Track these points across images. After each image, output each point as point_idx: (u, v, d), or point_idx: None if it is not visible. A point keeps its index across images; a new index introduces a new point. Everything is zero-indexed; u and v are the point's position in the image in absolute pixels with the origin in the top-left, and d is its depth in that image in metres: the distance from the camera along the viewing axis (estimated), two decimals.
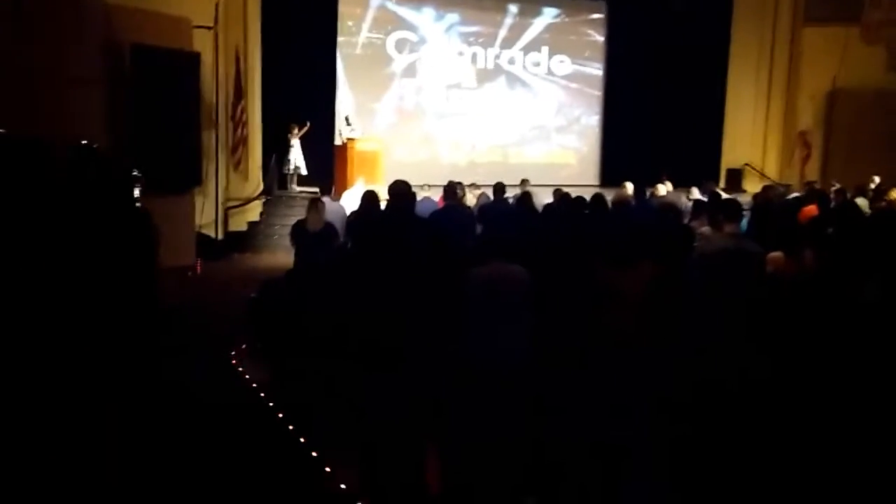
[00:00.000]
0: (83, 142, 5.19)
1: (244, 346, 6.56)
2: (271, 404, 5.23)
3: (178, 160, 8.85)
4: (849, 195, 9.04)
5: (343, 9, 14.35)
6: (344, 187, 10.35)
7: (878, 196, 8.95)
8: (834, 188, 9.79)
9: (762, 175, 16.41)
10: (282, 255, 9.94)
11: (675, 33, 15.99)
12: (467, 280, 4.13)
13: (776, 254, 4.60)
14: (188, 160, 9.16)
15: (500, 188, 7.95)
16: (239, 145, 11.25)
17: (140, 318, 3.81)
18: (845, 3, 16.36)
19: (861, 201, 8.54)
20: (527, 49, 16.80)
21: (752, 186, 15.16)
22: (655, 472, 3.60)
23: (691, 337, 3.89)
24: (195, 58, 9.19)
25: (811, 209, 7.48)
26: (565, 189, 9.10)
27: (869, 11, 16.44)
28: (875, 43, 16.53)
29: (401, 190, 4.72)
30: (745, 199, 10.48)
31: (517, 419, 3.85)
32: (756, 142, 17.17)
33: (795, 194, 10.03)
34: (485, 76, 16.41)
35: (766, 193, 9.03)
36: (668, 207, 6.37)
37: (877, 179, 10.99)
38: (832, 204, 7.86)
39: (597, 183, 16.97)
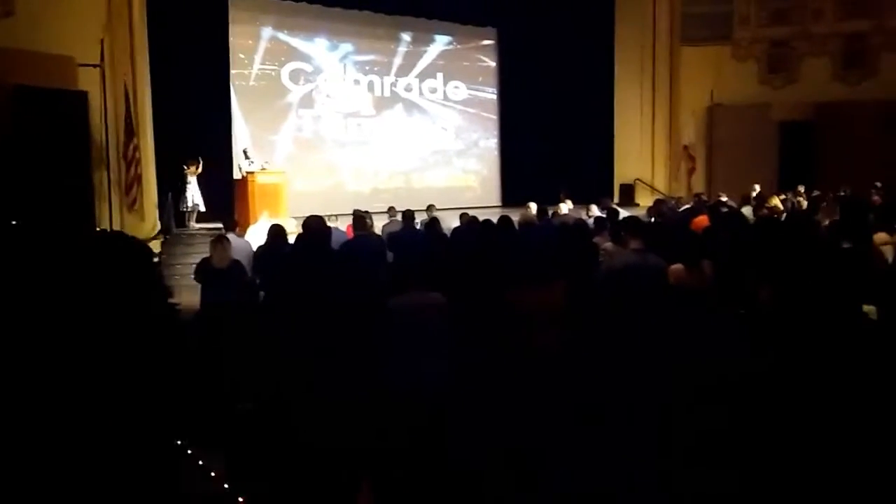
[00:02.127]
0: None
1: None
2: (188, 449, 5.02)
3: (68, 203, 8.44)
4: (733, 204, 9.64)
5: (234, 41, 14.12)
6: (247, 222, 10.12)
7: (760, 204, 9.56)
8: (719, 199, 10.41)
9: (653, 189, 17.22)
10: (186, 295, 9.56)
11: (563, 57, 16.65)
12: (387, 310, 4.14)
13: (677, 266, 4.83)
14: (79, 203, 8.76)
15: (408, 215, 8.00)
16: (133, 184, 10.82)
17: None
18: (717, 23, 17.58)
19: (746, 210, 9.08)
20: (422, 76, 17.06)
21: (645, 200, 15.89)
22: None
23: (604, 349, 4.04)
24: (82, 97, 8.83)
25: (702, 220, 7.91)
26: (470, 211, 9.29)
27: (738, 30, 17.72)
28: (746, 59, 17.81)
29: (315, 226, 4.68)
30: (638, 213, 10.97)
31: (444, 444, 3.87)
32: (644, 157, 18.04)
33: (686, 206, 10.57)
34: (382, 104, 16.52)
35: (659, 207, 9.49)
36: (576, 225, 6.58)
37: (757, 188, 11.76)
38: (721, 214, 8.32)
39: (499, 204, 17.36)
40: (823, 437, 2.48)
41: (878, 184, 12.36)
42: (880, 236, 6.02)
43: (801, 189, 12.31)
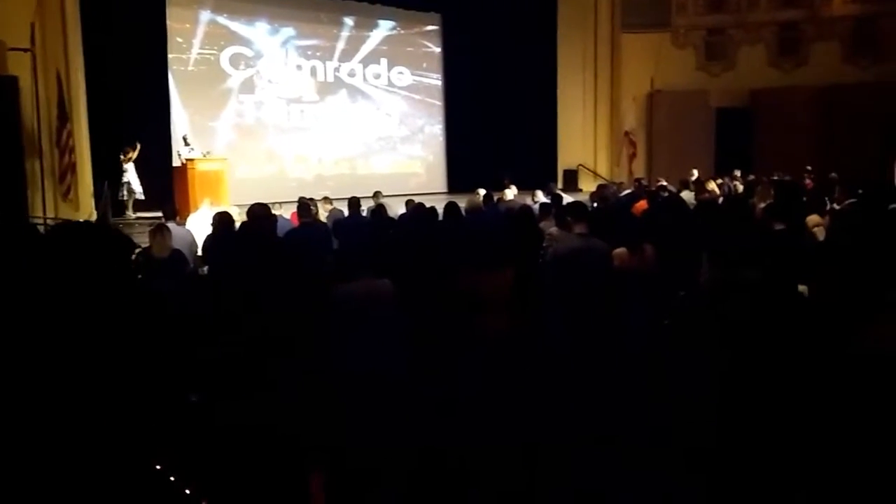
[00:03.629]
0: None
1: None
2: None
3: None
4: (673, 189, 9.86)
5: (172, 24, 13.71)
6: (187, 210, 9.88)
7: (699, 188, 9.81)
8: (658, 183, 10.64)
9: (595, 174, 17.50)
10: None
11: (506, 43, 16.72)
12: (333, 297, 4.11)
13: (620, 249, 4.94)
14: (11, 192, 8.42)
15: (354, 203, 7.95)
16: (67, 172, 10.46)
17: None
18: (656, 10, 17.91)
19: (686, 194, 9.31)
20: (366, 61, 16.90)
21: (588, 186, 16.14)
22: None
23: (554, 332, 4.11)
24: (12, 82, 8.47)
25: (642, 204, 8.09)
26: (416, 198, 9.28)
27: (677, 17, 18.10)
28: (685, 46, 18.21)
29: (260, 213, 4.61)
30: (582, 198, 11.13)
31: (402, 429, 3.88)
32: (587, 143, 18.30)
33: (627, 191, 10.78)
34: (326, 89, 16.32)
35: (602, 192, 9.65)
36: (524, 210, 6.64)
37: (696, 173, 12.06)
38: (660, 199, 8.51)
39: (445, 190, 17.38)
40: (763, 414, 2.58)
41: (810, 168, 12.83)
42: (812, 218, 6.27)
43: (738, 173, 12.68)
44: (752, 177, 12.32)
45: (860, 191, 7.28)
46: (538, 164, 16.41)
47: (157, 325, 1.58)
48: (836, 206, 7.30)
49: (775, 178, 11.47)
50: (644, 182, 12.46)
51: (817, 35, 17.62)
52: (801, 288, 3.52)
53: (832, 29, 17.48)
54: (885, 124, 15.34)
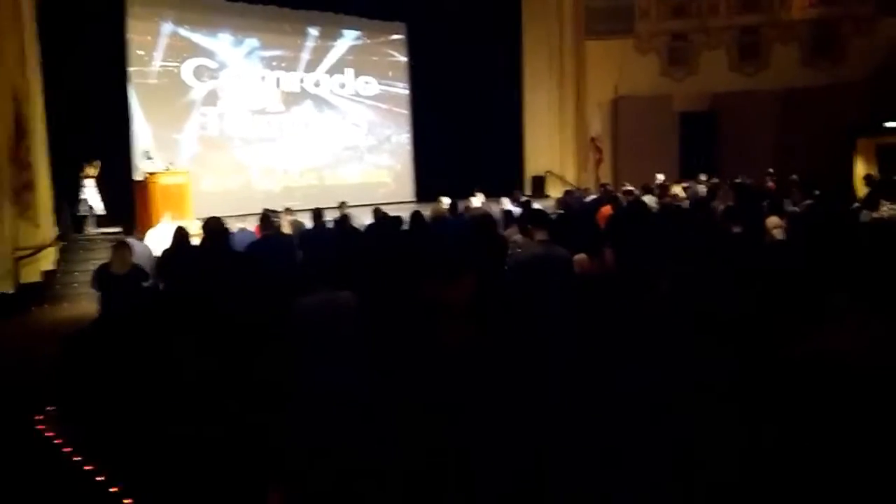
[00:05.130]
0: None
1: (51, 408, 5.97)
2: (88, 468, 4.80)
3: None
4: (637, 193, 9.93)
5: (132, 36, 13.56)
6: (149, 225, 9.75)
7: (663, 192, 9.90)
8: (624, 188, 10.72)
9: (563, 180, 17.60)
10: (85, 303, 9.17)
11: (472, 51, 16.76)
12: (294, 310, 4.05)
13: (580, 256, 4.95)
14: None
15: (318, 213, 7.88)
16: (23, 189, 10.24)
17: None
18: (620, 17, 18.13)
19: (649, 198, 9.38)
20: (331, 71, 16.85)
21: (556, 191, 16.22)
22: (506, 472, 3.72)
23: (516, 339, 4.09)
24: None
25: (607, 210, 8.13)
26: (384, 207, 9.25)
27: (640, 24, 18.33)
28: (648, 52, 18.44)
29: (214, 227, 4.54)
30: (548, 204, 11.18)
31: (365, 444, 3.83)
32: (554, 149, 18.40)
33: (593, 196, 10.84)
34: (291, 100, 16.22)
35: (566, 198, 9.70)
36: (485, 218, 6.64)
37: (660, 177, 12.18)
38: (623, 204, 8.57)
39: (413, 199, 17.35)
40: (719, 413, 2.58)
41: (771, 170, 13.02)
42: (772, 220, 6.33)
43: (703, 177, 12.83)
44: (715, 180, 12.47)
45: (817, 192, 7.39)
46: (506, 172, 16.48)
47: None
48: (795, 209, 7.41)
49: (738, 181, 11.62)
50: (610, 187, 12.55)
51: (777, 39, 17.95)
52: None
53: (792, 32, 17.83)
54: (845, 126, 15.65)
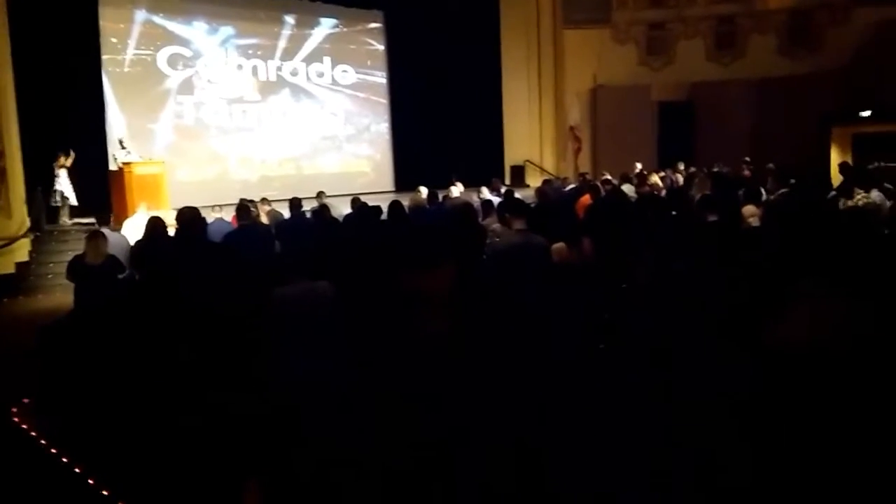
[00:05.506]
0: None
1: (27, 400, 5.89)
2: (66, 460, 4.75)
3: None
4: (616, 182, 9.97)
5: (105, 24, 13.35)
6: (124, 215, 9.63)
7: (641, 181, 9.95)
8: (603, 178, 10.75)
9: (542, 170, 17.62)
10: (59, 295, 9.06)
11: (450, 39, 16.69)
12: (272, 300, 4.03)
13: (559, 244, 4.96)
14: None
15: (296, 203, 7.83)
16: None
17: None
18: (598, 6, 18.14)
19: (627, 188, 9.42)
20: (308, 60, 16.71)
21: (535, 181, 16.24)
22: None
23: (493, 328, 4.09)
24: None
25: (586, 199, 8.15)
26: (363, 197, 9.20)
27: (617, 14, 18.35)
28: (625, 42, 18.48)
29: (189, 217, 4.49)
30: (528, 194, 11.19)
31: (346, 433, 3.82)
32: (533, 139, 18.41)
33: (572, 185, 10.87)
34: (268, 89, 16.08)
35: (544, 187, 9.71)
36: (464, 207, 6.62)
37: (639, 166, 12.24)
38: (602, 193, 8.60)
39: (392, 189, 17.30)
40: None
41: (748, 159, 13.13)
42: (748, 209, 6.38)
43: (681, 166, 12.90)
44: (692, 169, 12.55)
45: (792, 181, 7.46)
46: (485, 161, 16.45)
47: None
48: (770, 197, 7.47)
49: (715, 169, 11.70)
50: (589, 176, 12.59)
51: (754, 28, 18.06)
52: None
53: (768, 22, 17.94)
54: (821, 115, 15.81)
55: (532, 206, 6.35)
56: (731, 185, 8.27)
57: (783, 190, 7.24)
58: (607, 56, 18.19)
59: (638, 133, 17.39)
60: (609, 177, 10.79)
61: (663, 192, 9.39)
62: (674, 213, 6.28)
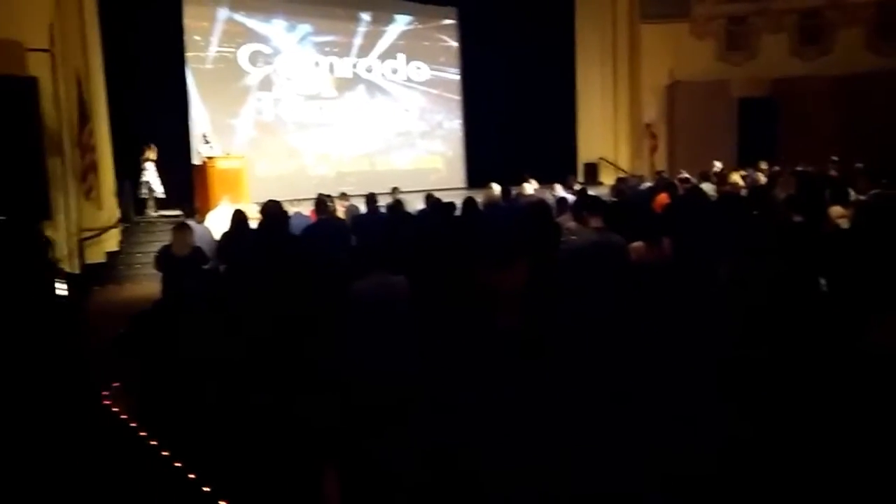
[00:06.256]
0: None
1: (117, 384, 6.18)
2: (155, 442, 4.96)
3: (23, 193, 8.16)
4: (694, 181, 9.72)
5: (189, 23, 13.84)
6: (207, 208, 9.97)
7: (721, 180, 9.67)
8: (680, 176, 10.50)
9: (616, 167, 17.35)
10: (146, 284, 9.45)
11: (523, 35, 16.60)
12: (349, 295, 4.10)
13: (637, 243, 4.88)
14: (35, 192, 8.48)
15: (372, 198, 7.95)
16: (88, 171, 10.56)
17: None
18: (675, 0, 17.68)
19: (707, 186, 9.18)
20: (383, 57, 16.91)
21: (609, 179, 16.00)
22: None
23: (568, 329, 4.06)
24: (32, 83, 8.52)
25: (663, 197, 7.98)
26: (435, 193, 9.26)
27: (696, 7, 17.87)
28: (704, 36, 17.98)
29: (273, 211, 4.62)
30: (602, 192, 11.04)
31: (417, 429, 3.86)
32: (607, 136, 18.13)
33: (648, 184, 10.66)
34: (344, 85, 16.35)
35: (620, 185, 9.55)
36: (539, 205, 6.59)
37: (718, 165, 11.90)
38: (680, 191, 8.40)
39: (464, 185, 17.35)
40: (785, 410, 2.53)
41: (835, 158, 12.60)
42: (836, 210, 6.13)
43: (763, 165, 12.48)
44: (776, 168, 12.12)
45: (884, 181, 7.12)
46: (558, 158, 16.32)
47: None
48: (860, 197, 7.15)
49: (799, 168, 11.28)
50: (665, 174, 12.32)
51: (840, 22, 17.31)
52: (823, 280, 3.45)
53: (855, 15, 17.16)
54: None
55: (609, 203, 6.27)
56: (817, 185, 7.95)
57: (874, 191, 6.92)
58: (685, 51, 17.73)
59: (717, 130, 16.90)
60: (687, 175, 10.53)
61: (744, 192, 9.10)
62: (755, 213, 6.09)
